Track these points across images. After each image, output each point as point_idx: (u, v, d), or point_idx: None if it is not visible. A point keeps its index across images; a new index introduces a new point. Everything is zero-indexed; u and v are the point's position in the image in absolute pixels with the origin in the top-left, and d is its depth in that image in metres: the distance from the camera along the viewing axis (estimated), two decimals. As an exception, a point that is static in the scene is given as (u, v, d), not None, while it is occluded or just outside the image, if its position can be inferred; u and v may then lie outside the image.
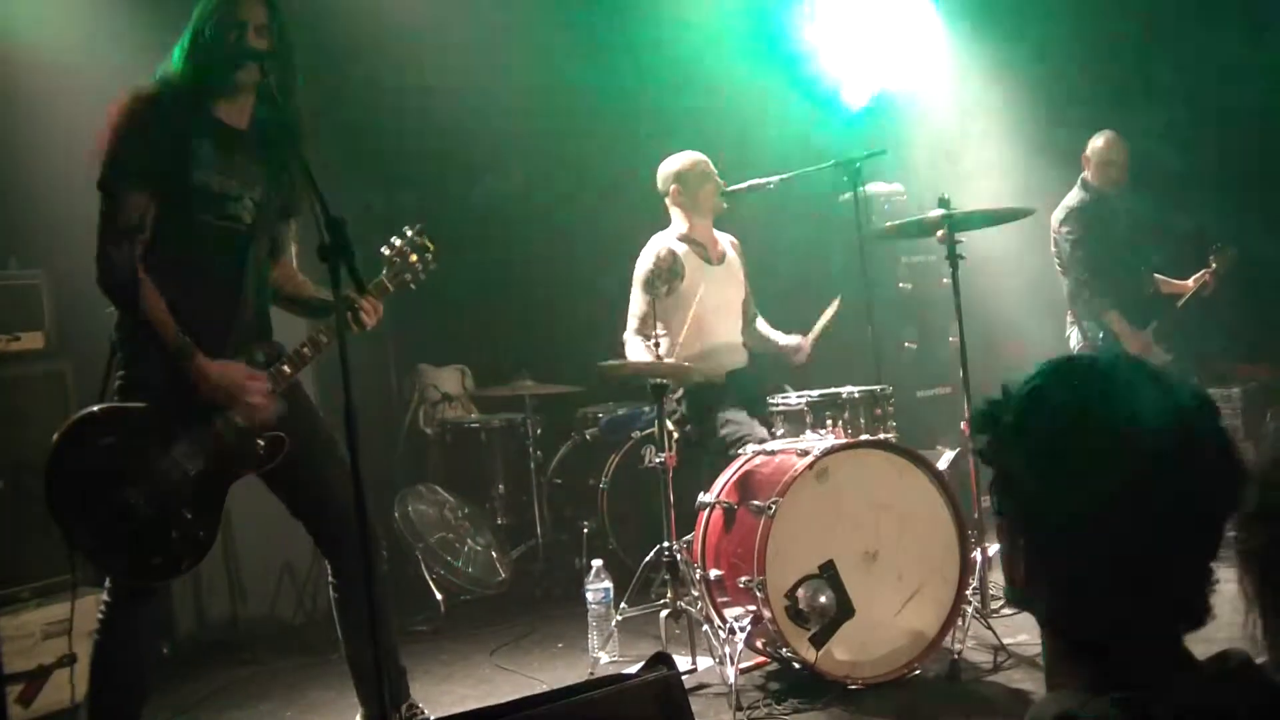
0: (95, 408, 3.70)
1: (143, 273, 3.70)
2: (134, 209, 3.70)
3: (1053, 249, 7.11)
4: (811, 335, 6.07)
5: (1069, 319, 7.13)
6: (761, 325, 6.22)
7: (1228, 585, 1.61)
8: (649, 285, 5.79)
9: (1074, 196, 7.05)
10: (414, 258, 4.11)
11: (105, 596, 3.83)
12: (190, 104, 3.80)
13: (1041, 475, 1.55)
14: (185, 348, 3.72)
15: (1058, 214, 7.04)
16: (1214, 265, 7.02)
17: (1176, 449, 1.50)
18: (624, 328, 5.96)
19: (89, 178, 3.73)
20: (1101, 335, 6.93)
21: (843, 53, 8.15)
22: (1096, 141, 7.06)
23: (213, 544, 3.84)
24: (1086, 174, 7.06)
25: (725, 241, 6.15)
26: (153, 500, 3.69)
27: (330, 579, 4.13)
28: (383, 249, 4.11)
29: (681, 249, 5.96)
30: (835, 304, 6.06)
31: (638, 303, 5.89)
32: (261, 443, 3.87)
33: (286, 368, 3.93)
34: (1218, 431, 1.53)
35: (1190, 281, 7.10)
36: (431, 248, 4.15)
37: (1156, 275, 7.19)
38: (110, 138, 3.72)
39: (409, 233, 4.15)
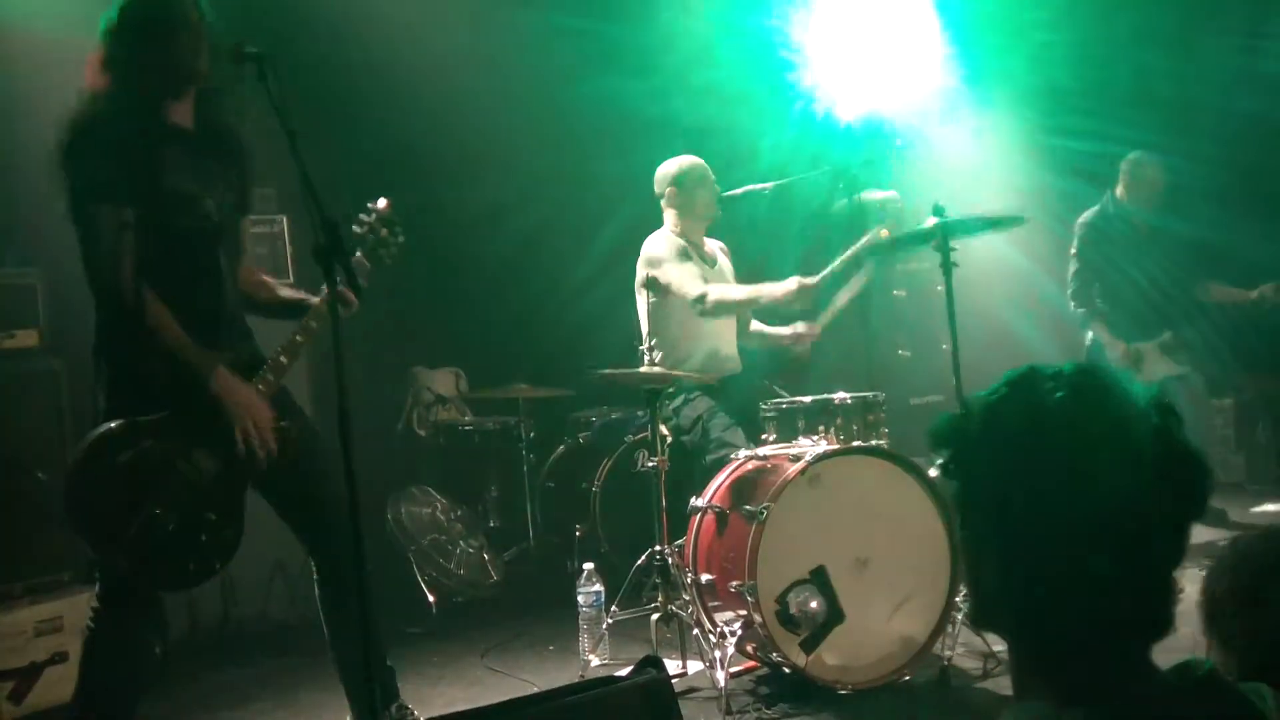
0: (111, 424, 3.62)
1: (145, 288, 3.65)
2: (122, 220, 3.62)
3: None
4: (826, 315, 6.01)
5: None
6: (757, 324, 6.22)
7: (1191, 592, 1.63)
8: (684, 255, 5.79)
9: (1091, 211, 7.15)
10: (384, 232, 4.07)
11: (95, 600, 3.80)
12: (144, 110, 3.74)
13: (1005, 485, 1.54)
14: (207, 364, 3.70)
15: (1076, 225, 7.14)
16: (1257, 295, 7.05)
17: (1139, 456, 1.50)
18: (633, 330, 5.91)
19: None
20: (1090, 346, 7.00)
21: (840, 65, 8.17)
22: (1132, 159, 7.13)
23: (239, 542, 3.83)
24: (1118, 190, 7.12)
25: (715, 247, 6.16)
26: (177, 509, 3.65)
27: (316, 579, 4.11)
28: (353, 227, 4.04)
29: (675, 249, 5.97)
30: (861, 277, 5.95)
31: (685, 272, 5.82)
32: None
33: (283, 358, 3.90)
34: (1180, 439, 1.53)
35: (1254, 294, 7.09)
36: (399, 221, 4.11)
37: (1211, 284, 7.20)
38: (73, 153, 3.64)
39: (374, 207, 4.10)
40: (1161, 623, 1.54)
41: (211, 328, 3.83)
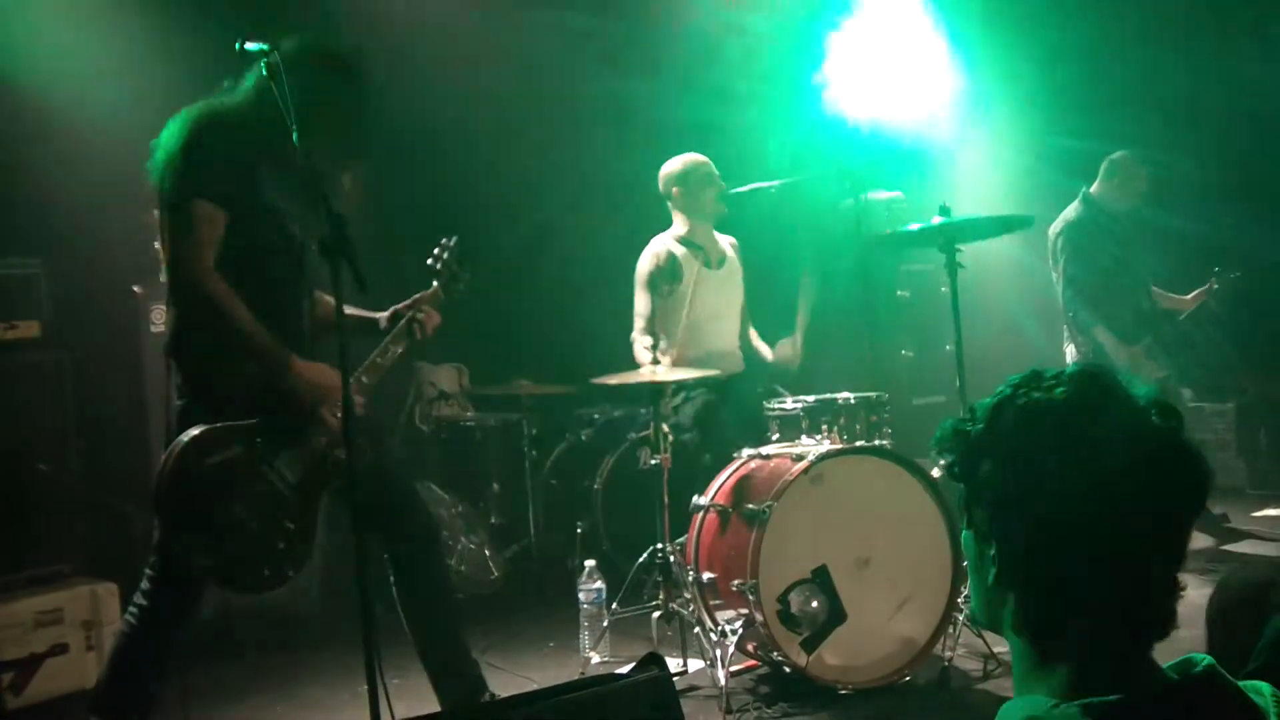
0: (199, 429, 3.68)
1: (224, 280, 3.71)
2: (213, 217, 3.70)
3: (1049, 260, 7.12)
4: (797, 334, 6.07)
5: (1065, 333, 7.14)
6: (753, 338, 6.24)
7: (1192, 593, 1.63)
8: (650, 285, 5.81)
9: (1073, 210, 7.04)
10: (456, 267, 4.27)
11: (147, 584, 3.82)
12: (257, 133, 3.78)
13: (1007, 486, 1.57)
14: (282, 352, 3.76)
15: (1055, 226, 7.04)
16: (1214, 286, 7.03)
17: (1142, 455, 1.51)
18: (629, 328, 5.97)
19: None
20: (1091, 350, 6.93)
21: (848, 65, 8.16)
22: (1117, 159, 7.06)
23: (312, 553, 3.91)
24: (1093, 188, 7.05)
25: (725, 244, 6.17)
26: (260, 514, 3.73)
27: (394, 585, 4.16)
28: (428, 260, 4.26)
29: (680, 251, 5.98)
30: (806, 286, 6.05)
31: (641, 302, 5.91)
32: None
33: (365, 378, 3.97)
34: (1182, 438, 1.55)
35: (1189, 298, 7.11)
36: (469, 257, 4.30)
37: (1156, 290, 7.20)
38: (183, 151, 3.70)
39: (447, 243, 4.29)
40: (1163, 621, 1.55)
41: (291, 338, 3.87)
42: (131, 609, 3.85)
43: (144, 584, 3.83)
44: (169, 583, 3.79)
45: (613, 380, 5.30)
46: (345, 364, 3.33)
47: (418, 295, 4.20)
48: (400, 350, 4.06)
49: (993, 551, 1.60)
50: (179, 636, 3.88)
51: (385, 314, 4.18)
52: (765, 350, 6.22)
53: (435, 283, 4.23)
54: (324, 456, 3.85)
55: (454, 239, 4.28)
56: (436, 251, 4.26)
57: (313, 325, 4.08)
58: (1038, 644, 1.58)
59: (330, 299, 4.11)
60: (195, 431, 3.67)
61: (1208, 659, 1.54)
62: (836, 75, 8.02)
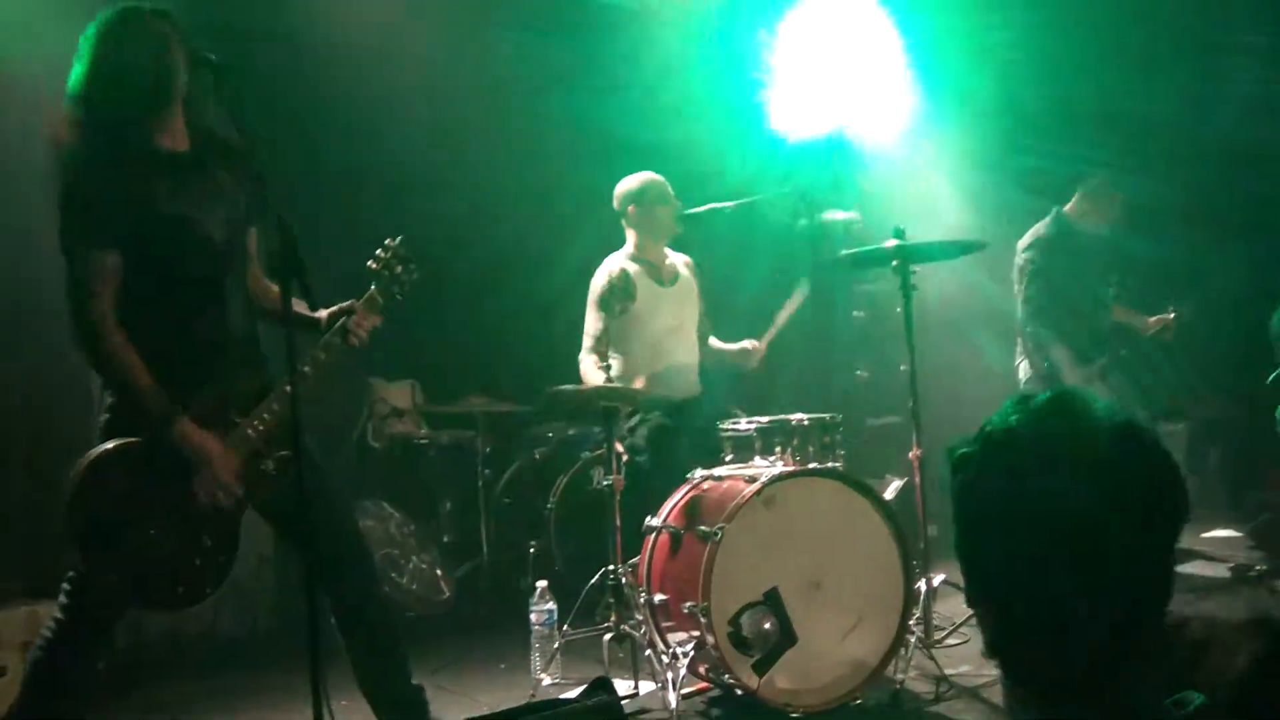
0: (112, 443, 3.63)
1: (119, 332, 3.65)
2: (103, 265, 3.64)
3: (1014, 274, 7.15)
4: (769, 334, 6.06)
5: (1018, 350, 7.17)
6: (712, 341, 6.24)
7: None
8: (603, 304, 5.80)
9: (1044, 227, 7.09)
10: (399, 269, 4.10)
11: (58, 612, 3.75)
12: (130, 143, 3.73)
13: (993, 505, 1.57)
14: (167, 410, 3.67)
15: (1024, 240, 7.09)
16: (1173, 315, 7.08)
17: (1120, 476, 1.53)
18: (580, 348, 5.96)
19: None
20: (1047, 366, 6.96)
21: (805, 84, 8.20)
22: (1093, 183, 7.13)
23: (231, 569, 3.84)
24: (1067, 208, 7.11)
25: (679, 262, 6.16)
26: (173, 530, 3.67)
27: (332, 613, 4.05)
28: (369, 262, 4.10)
29: (634, 269, 5.97)
30: (798, 296, 6.02)
31: (592, 322, 5.89)
32: (270, 464, 3.83)
33: (276, 406, 3.85)
34: (1158, 458, 1.57)
35: (1151, 320, 7.15)
36: (413, 259, 4.13)
37: (1118, 307, 7.23)
38: (64, 198, 3.66)
39: (390, 243, 4.13)
40: (1154, 649, 1.55)
41: (211, 358, 3.82)
42: (45, 629, 3.77)
43: (60, 600, 3.76)
44: (82, 601, 3.72)
45: (572, 388, 5.30)
46: (293, 363, 3.28)
47: (353, 301, 4.06)
48: (332, 352, 3.93)
49: (984, 582, 1.61)
50: (96, 655, 3.79)
51: (324, 314, 4.03)
52: (725, 347, 6.20)
53: (373, 285, 4.08)
54: (247, 472, 3.77)
55: (398, 239, 4.13)
56: (379, 253, 4.11)
57: (251, 326, 4.01)
58: (1029, 674, 1.59)
59: (274, 287, 4.09)
60: (108, 445, 3.63)
61: (1200, 697, 1.54)
62: (792, 93, 8.07)
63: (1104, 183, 7.10)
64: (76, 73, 3.71)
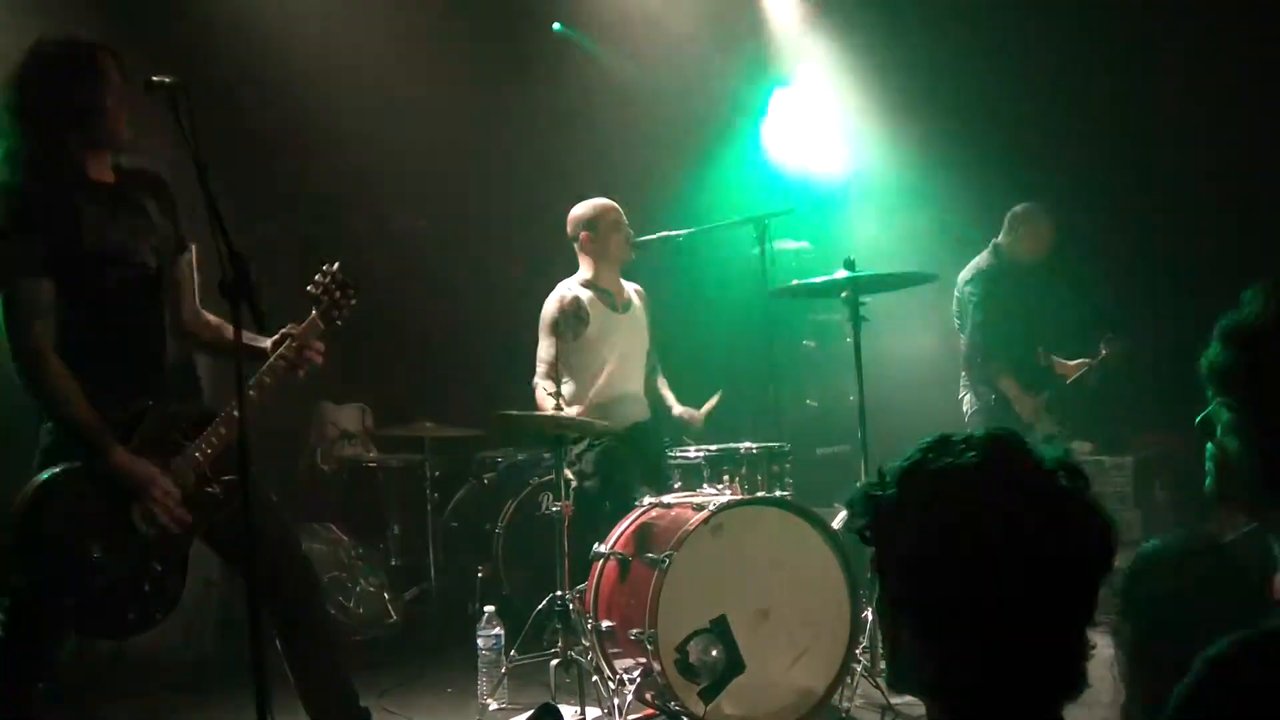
0: (59, 468, 3.61)
1: (57, 361, 3.62)
2: (38, 293, 3.62)
3: (954, 308, 7.19)
4: (700, 413, 6.10)
5: (963, 382, 7.20)
6: (661, 385, 6.25)
7: (1104, 651, 1.65)
8: (555, 330, 5.80)
9: (984, 259, 7.10)
10: (338, 294, 4.03)
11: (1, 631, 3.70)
12: (60, 172, 3.71)
13: (921, 547, 1.57)
14: (103, 440, 3.64)
15: (965, 274, 7.10)
16: (1104, 352, 7.10)
17: (1049, 518, 1.54)
18: (531, 373, 5.95)
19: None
20: (994, 399, 6.98)
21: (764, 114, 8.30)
22: (1021, 211, 7.09)
23: (181, 595, 3.80)
24: (1001, 240, 7.12)
25: (630, 290, 6.18)
26: (121, 555, 3.64)
27: (276, 634, 4.00)
28: (308, 287, 4.03)
29: (587, 295, 5.98)
30: (716, 397, 6.08)
31: (544, 348, 5.89)
32: (217, 488, 3.80)
33: (222, 429, 3.81)
34: (1088, 499, 1.58)
35: (1073, 364, 7.16)
36: (352, 284, 4.06)
37: (1044, 353, 7.25)
38: None
39: (328, 269, 4.05)
40: (1074, 682, 1.57)
41: (143, 384, 3.79)
42: None
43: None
44: (20, 624, 3.67)
45: (519, 413, 5.29)
46: (242, 391, 3.25)
47: (294, 326, 3.98)
48: (277, 376, 3.87)
49: (905, 618, 1.61)
50: (35, 677, 3.75)
51: (268, 343, 3.96)
52: (673, 402, 6.22)
53: (314, 310, 4.00)
54: (193, 496, 3.74)
55: (335, 264, 4.05)
56: (317, 278, 4.03)
57: (197, 345, 4.01)
58: (951, 710, 1.60)
59: (213, 318, 4.06)
60: (55, 470, 3.60)
61: None
62: (747, 116, 8.15)
63: (1031, 210, 7.06)
64: (10, 98, 3.70)
